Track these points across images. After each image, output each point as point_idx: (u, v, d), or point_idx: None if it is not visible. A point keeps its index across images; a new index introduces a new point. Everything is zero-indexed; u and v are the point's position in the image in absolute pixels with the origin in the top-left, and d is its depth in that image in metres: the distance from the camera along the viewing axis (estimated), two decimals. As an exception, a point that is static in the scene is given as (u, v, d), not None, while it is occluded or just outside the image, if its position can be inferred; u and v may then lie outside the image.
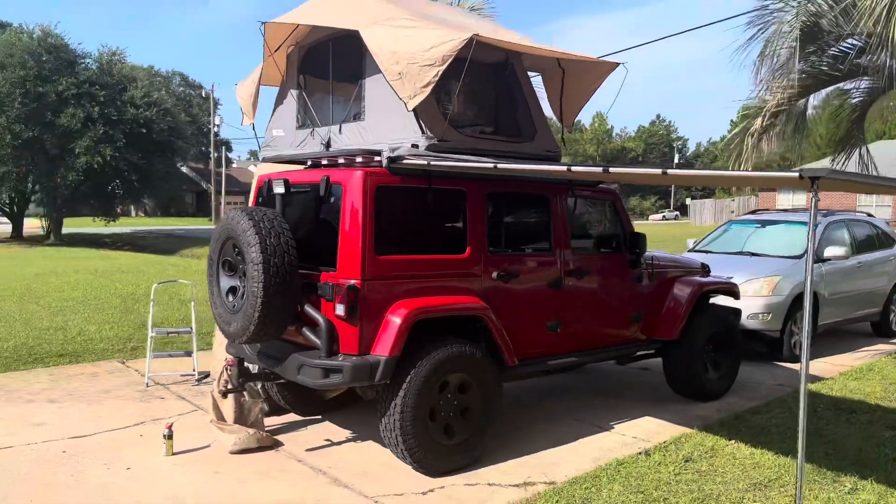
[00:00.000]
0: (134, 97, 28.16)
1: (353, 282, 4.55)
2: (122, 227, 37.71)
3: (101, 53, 29.52)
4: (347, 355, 4.59)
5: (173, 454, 5.10)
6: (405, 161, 4.70)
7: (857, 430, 5.86)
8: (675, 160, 76.83)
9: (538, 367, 5.58)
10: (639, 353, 6.68)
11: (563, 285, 5.64)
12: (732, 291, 7.13)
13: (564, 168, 4.51)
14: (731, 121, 55.16)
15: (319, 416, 5.99)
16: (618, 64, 5.94)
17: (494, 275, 5.18)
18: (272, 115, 6.73)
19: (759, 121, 10.01)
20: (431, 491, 4.59)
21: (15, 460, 4.96)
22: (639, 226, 9.16)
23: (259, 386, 5.81)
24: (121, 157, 27.42)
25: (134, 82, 28.84)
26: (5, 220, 32.40)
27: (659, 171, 3.87)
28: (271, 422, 5.86)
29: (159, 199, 36.87)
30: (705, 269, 7.16)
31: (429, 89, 4.81)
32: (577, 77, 6.13)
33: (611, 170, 4.13)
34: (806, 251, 8.65)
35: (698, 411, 6.41)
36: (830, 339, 9.75)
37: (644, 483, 4.71)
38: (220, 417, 5.39)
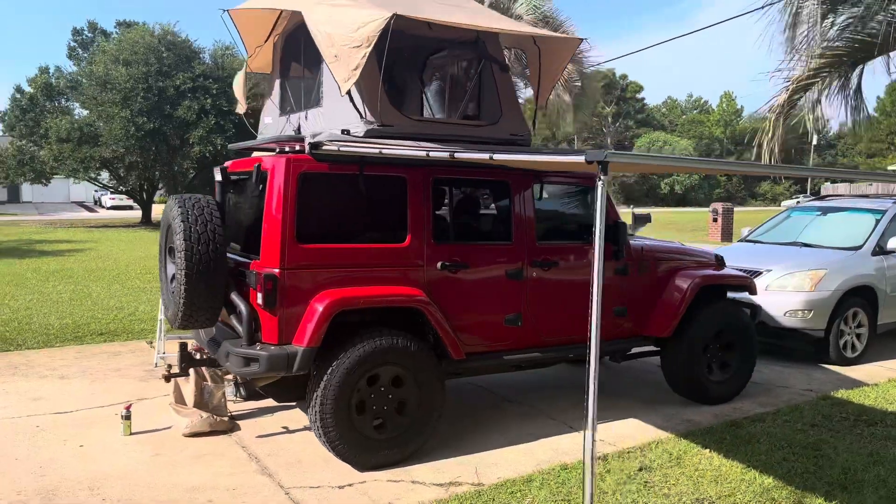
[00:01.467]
0: (252, 87, 29.48)
1: (272, 270, 4.51)
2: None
3: (216, 48, 31.14)
4: (266, 345, 4.57)
5: (131, 434, 5.29)
6: (324, 147, 4.59)
7: (861, 445, 5.21)
8: (814, 142, 71.32)
9: (493, 362, 5.32)
10: (635, 351, 6.26)
11: (526, 277, 5.34)
12: (744, 286, 6.50)
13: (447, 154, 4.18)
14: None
15: (294, 404, 6.03)
16: (582, 40, 5.53)
17: (439, 265, 4.98)
18: (265, 103, 6.83)
19: (782, 96, 9.05)
20: (350, 485, 4.49)
21: (-10, 432, 5.32)
22: (769, 211, 8.58)
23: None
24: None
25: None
26: (138, 206, 35.06)
27: (486, 155, 3.82)
28: (247, 406, 5.96)
29: None
30: (719, 261, 6.58)
31: (358, 72, 4.66)
32: (550, 55, 5.76)
33: (456, 155, 3.95)
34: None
35: (693, 415, 5.92)
36: (893, 341, 8.74)
37: (576, 491, 4.39)
38: (180, 400, 5.53)
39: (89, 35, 35.73)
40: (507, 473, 4.69)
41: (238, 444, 5.15)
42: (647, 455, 5.01)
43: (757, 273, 7.78)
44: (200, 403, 5.49)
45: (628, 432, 5.51)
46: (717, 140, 75.64)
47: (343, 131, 4.79)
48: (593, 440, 3.14)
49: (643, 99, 73.68)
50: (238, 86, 6.75)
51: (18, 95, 31.73)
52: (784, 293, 7.56)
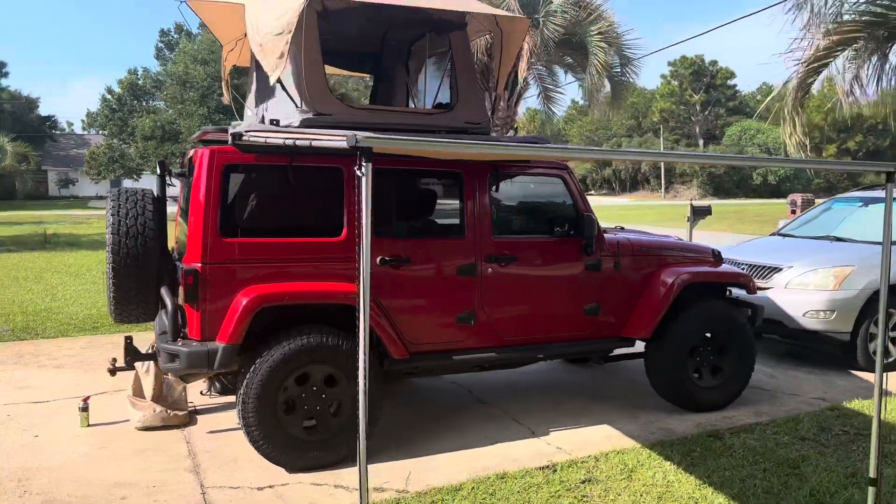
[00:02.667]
0: (347, 89, 30.08)
1: (194, 265, 4.42)
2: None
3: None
4: (190, 340, 4.49)
5: (88, 426, 5.35)
6: (244, 138, 4.45)
7: (847, 463, 4.69)
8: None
9: (441, 361, 5.06)
10: (619, 353, 5.86)
11: (480, 272, 5.05)
12: (739, 284, 5.97)
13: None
14: None
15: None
16: (529, 19, 5.17)
17: (378, 260, 4.76)
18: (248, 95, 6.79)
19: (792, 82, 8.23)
20: (270, 487, 4.36)
21: (-39, 420, 5.50)
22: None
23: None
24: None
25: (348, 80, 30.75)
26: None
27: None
28: (220, 400, 5.94)
29: None
30: (716, 257, 6.07)
31: (283, 61, 4.52)
32: (508, 37, 5.43)
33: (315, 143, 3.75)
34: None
35: (674, 423, 5.47)
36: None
37: (504, 503, 4.11)
38: (139, 393, 5.55)
39: (175, 36, 37.27)
40: (438, 480, 4.44)
41: (185, 440, 5.12)
42: (600, 466, 4.65)
43: (776, 269, 7.17)
44: (160, 397, 5.49)
45: (593, 439, 5.14)
46: (817, 127, 71.45)
47: (272, 121, 4.65)
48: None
49: (735, 86, 70.35)
50: (224, 77, 6.76)
51: (109, 96, 33.51)
52: (805, 292, 6.92)
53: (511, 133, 12.24)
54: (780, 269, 7.15)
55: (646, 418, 5.59)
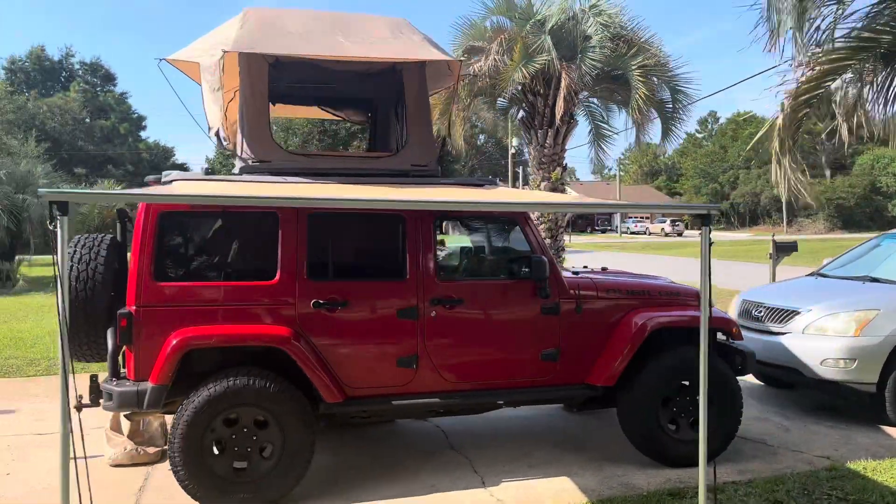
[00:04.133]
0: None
1: (129, 308, 4.62)
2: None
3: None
4: (124, 380, 4.68)
5: (73, 458, 5.64)
6: (169, 187, 4.64)
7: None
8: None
9: (381, 406, 5.00)
10: (588, 400, 5.57)
11: (422, 316, 4.98)
12: (721, 329, 5.54)
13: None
14: None
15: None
16: (460, 61, 5.11)
17: (312, 303, 4.81)
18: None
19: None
20: (191, 527, 4.44)
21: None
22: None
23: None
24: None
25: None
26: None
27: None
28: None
29: None
30: (699, 298, 5.67)
31: (220, 114, 4.71)
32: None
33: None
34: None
35: (638, 479, 5.12)
36: None
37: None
38: (116, 427, 5.81)
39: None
40: (354, 529, 4.37)
41: (143, 477, 5.30)
42: (529, 522, 4.42)
43: (794, 312, 6.61)
44: (136, 432, 5.73)
45: (542, 493, 4.89)
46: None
47: (206, 170, 4.83)
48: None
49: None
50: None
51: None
52: (822, 337, 6.33)
53: (559, 171, 12.07)
54: (798, 313, 6.59)
55: (612, 472, 5.26)
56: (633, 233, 62.80)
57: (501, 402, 5.36)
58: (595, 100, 12.61)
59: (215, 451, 4.61)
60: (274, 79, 5.24)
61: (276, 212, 4.82)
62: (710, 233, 3.48)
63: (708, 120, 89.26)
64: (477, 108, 13.09)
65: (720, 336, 5.67)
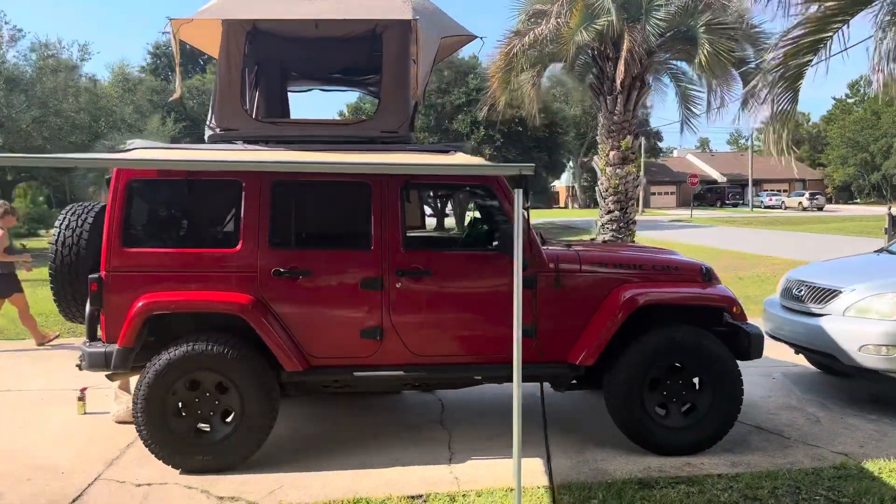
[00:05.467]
0: (513, 98, 30.38)
1: (100, 273, 4.81)
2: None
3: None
4: (97, 342, 4.88)
5: (85, 413, 6.03)
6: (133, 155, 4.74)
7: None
8: None
9: (342, 377, 4.93)
10: (574, 381, 5.26)
11: (387, 286, 4.86)
12: (720, 307, 5.04)
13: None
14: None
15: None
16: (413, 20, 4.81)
17: (273, 271, 4.80)
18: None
19: None
20: (148, 485, 4.58)
21: None
22: None
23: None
24: (499, 155, 29.93)
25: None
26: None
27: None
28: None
29: (537, 191, 38.36)
30: (706, 276, 5.19)
31: (179, 83, 4.77)
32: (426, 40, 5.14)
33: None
34: None
35: (615, 465, 4.80)
36: None
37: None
38: (125, 386, 6.11)
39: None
40: (298, 498, 4.36)
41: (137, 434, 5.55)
42: (468, 502, 4.23)
43: (835, 292, 5.93)
44: (142, 393, 6.00)
45: (504, 472, 4.68)
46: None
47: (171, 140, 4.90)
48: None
49: None
50: None
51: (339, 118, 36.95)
52: (863, 320, 5.64)
53: (629, 139, 11.44)
54: (840, 293, 5.90)
55: (592, 456, 4.96)
56: (767, 207, 58.86)
57: (479, 378, 5.16)
58: (680, 62, 11.82)
59: (178, 412, 4.73)
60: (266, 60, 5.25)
61: (240, 179, 4.84)
62: (524, 197, 3.31)
63: (860, 83, 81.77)
64: (548, 75, 12.61)
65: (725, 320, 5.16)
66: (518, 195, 3.50)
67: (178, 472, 4.72)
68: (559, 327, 5.00)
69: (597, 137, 12.15)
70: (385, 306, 4.87)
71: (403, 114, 5.04)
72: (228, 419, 4.78)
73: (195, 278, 4.80)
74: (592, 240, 6.13)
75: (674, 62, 11.81)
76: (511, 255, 4.79)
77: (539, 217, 43.75)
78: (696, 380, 5.02)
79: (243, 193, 4.83)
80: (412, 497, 4.34)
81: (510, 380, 5.25)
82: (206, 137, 4.96)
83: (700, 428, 4.94)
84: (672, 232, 30.07)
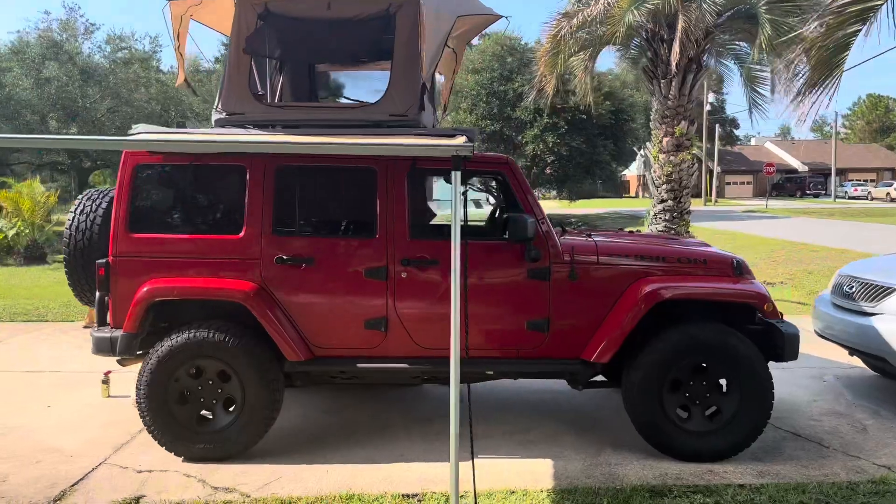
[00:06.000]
0: (577, 85, 29.69)
1: (108, 258, 4.79)
2: (590, 208, 40.01)
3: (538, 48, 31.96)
4: (105, 327, 4.87)
5: (109, 396, 6.09)
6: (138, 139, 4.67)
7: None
8: None
9: (346, 368, 4.79)
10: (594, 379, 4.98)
11: (392, 276, 4.68)
12: (748, 304, 4.65)
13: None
14: None
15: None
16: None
17: (276, 259, 4.69)
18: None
19: None
20: (149, 472, 4.55)
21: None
22: None
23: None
24: (562, 143, 29.35)
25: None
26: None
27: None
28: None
29: (603, 179, 37.34)
30: (737, 269, 4.81)
31: (181, 68, 4.70)
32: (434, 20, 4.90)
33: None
34: None
35: (629, 469, 4.50)
36: None
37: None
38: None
39: (459, 49, 39.62)
40: (293, 491, 4.25)
41: (153, 419, 5.56)
42: (467, 504, 4.03)
43: (888, 290, 5.43)
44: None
45: (511, 474, 4.45)
46: None
47: (179, 123, 4.83)
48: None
49: None
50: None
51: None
52: (916, 320, 5.14)
53: (684, 125, 10.89)
54: (894, 290, 5.40)
55: (607, 459, 4.67)
56: (851, 198, 55.86)
57: (490, 373, 4.94)
58: (742, 42, 11.14)
59: (180, 400, 4.69)
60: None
61: (244, 164, 4.74)
62: (459, 179, 3.10)
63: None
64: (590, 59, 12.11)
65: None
66: (455, 178, 3.28)
67: (180, 459, 4.69)
68: (574, 322, 4.72)
69: (650, 123, 11.62)
70: (390, 297, 4.70)
71: (412, 96, 4.83)
72: (231, 408, 4.71)
73: (200, 265, 4.73)
74: (631, 231, 5.79)
75: (736, 42, 11.18)
76: (522, 244, 4.56)
77: (605, 206, 42.92)
78: (722, 382, 4.66)
79: (247, 179, 4.73)
80: (406, 496, 4.17)
81: (524, 375, 5.07)
82: (212, 122, 4.88)
83: (724, 434, 4.58)
84: (743, 223, 28.85)
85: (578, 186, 33.11)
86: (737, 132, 64.60)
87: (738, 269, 4.80)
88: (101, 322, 4.94)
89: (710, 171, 54.61)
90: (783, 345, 4.64)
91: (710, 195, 52.78)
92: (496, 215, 5.10)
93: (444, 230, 4.98)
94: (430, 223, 5.00)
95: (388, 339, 4.72)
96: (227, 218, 4.82)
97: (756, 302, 4.65)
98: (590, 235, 5.11)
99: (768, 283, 13.16)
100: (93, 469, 4.61)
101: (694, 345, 4.55)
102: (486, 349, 4.77)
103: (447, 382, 5.22)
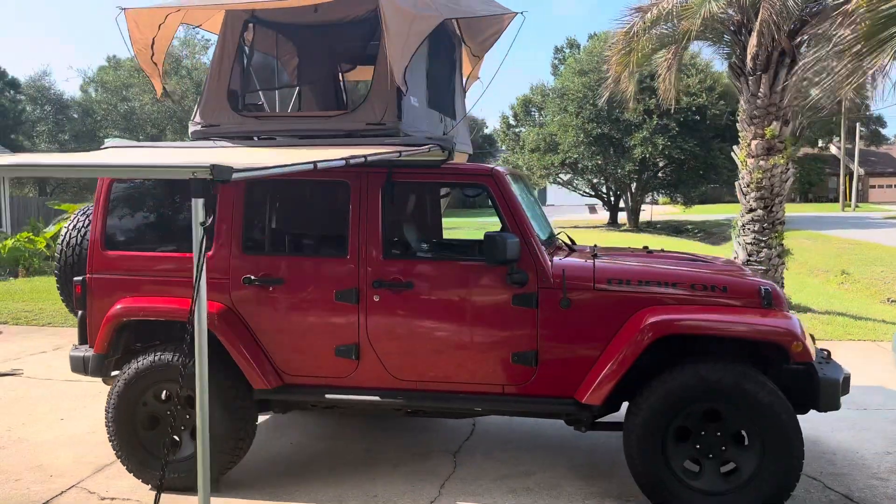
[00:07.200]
0: (689, 85, 28.12)
1: (85, 276, 4.68)
2: (709, 214, 37.73)
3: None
4: (83, 346, 4.75)
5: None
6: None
7: None
8: None
9: (315, 398, 4.41)
10: (601, 420, 4.36)
11: (364, 299, 4.27)
12: (769, 341, 3.87)
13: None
14: None
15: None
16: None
17: (243, 279, 4.40)
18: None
19: None
20: (110, 500, 4.39)
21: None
22: None
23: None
24: (673, 146, 27.85)
25: (690, 69, 28.71)
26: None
27: None
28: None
29: (721, 183, 34.86)
30: (767, 299, 4.03)
31: (155, 71, 4.52)
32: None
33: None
34: None
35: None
36: None
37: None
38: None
39: (567, 51, 38.62)
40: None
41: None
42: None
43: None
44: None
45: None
46: None
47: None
48: None
49: None
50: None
51: (507, 114, 36.46)
52: None
53: (776, 125, 9.76)
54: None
55: (599, 515, 4.04)
56: None
57: (479, 409, 4.43)
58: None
59: (148, 425, 4.49)
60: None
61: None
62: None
63: None
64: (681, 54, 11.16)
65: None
66: (196, 207, 2.81)
67: (148, 487, 4.49)
68: (567, 355, 4.13)
69: (737, 125, 10.54)
70: (362, 322, 4.29)
71: (392, 104, 4.40)
72: (194, 435, 4.45)
73: (172, 284, 4.51)
74: (650, 250, 5.11)
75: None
76: (499, 267, 4.04)
77: (727, 212, 40.48)
78: (743, 432, 3.92)
79: (217, 195, 4.47)
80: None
81: (512, 414, 4.53)
82: (189, 133, 4.68)
83: (741, 496, 3.83)
84: (881, 231, 26.18)
85: (693, 191, 31.32)
86: (883, 131, 59.27)
87: (766, 300, 4.02)
88: (82, 340, 4.84)
89: (850, 173, 50.27)
90: (815, 392, 3.84)
91: (850, 199, 48.58)
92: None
93: (421, 249, 4.52)
94: (406, 241, 4.55)
95: (360, 367, 4.32)
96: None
97: (778, 339, 3.86)
98: (595, 255, 4.48)
99: (893, 302, 11.66)
100: (61, 493, 4.49)
101: (703, 388, 3.83)
102: (466, 383, 4.26)
103: (428, 416, 4.79)
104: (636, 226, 31.75)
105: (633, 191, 32.09)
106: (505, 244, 3.96)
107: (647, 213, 34.98)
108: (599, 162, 30.37)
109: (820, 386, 3.84)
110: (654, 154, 28.08)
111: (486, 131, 55.41)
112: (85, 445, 5.26)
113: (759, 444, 3.81)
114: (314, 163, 3.33)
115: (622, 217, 33.90)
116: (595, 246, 5.15)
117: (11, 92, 34.76)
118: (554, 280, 4.11)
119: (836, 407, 3.89)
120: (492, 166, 4.34)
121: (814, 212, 42.23)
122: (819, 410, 3.91)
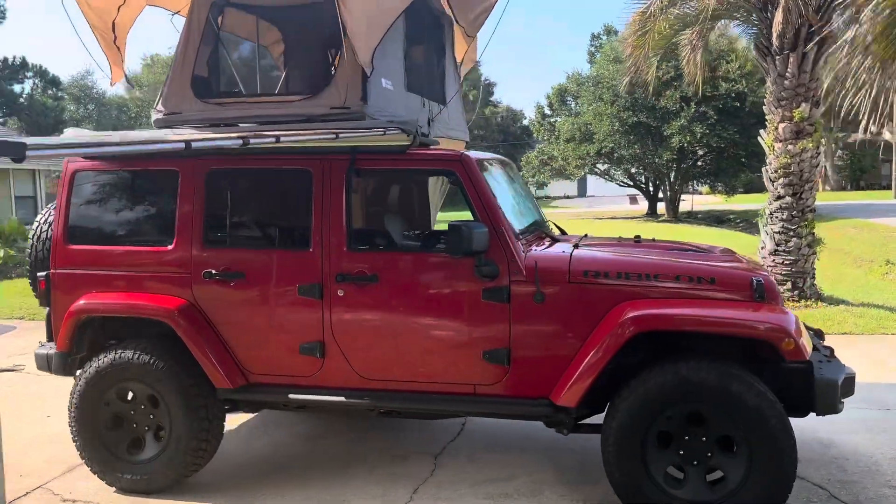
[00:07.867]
0: (728, 71, 27.24)
1: (48, 271, 4.54)
2: (753, 203, 36.57)
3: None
4: (50, 343, 4.62)
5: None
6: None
7: None
8: None
9: (278, 398, 4.20)
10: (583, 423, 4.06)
11: (328, 294, 4.04)
12: (759, 339, 3.50)
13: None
14: None
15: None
16: None
17: (203, 274, 4.20)
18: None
19: None
20: (72, 502, 4.25)
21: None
22: None
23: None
24: (712, 134, 27.02)
25: (730, 55, 27.80)
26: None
27: None
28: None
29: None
30: (759, 291, 3.67)
31: (118, 57, 4.35)
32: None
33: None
34: None
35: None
36: None
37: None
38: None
39: (604, 38, 37.80)
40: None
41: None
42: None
43: None
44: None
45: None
46: None
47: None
48: None
49: None
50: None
51: (542, 104, 35.90)
52: None
53: (805, 107, 9.20)
54: None
55: (575, 526, 3.74)
56: None
57: (426, 410, 4.18)
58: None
59: (111, 425, 4.33)
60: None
61: (176, 168, 4.30)
62: None
63: None
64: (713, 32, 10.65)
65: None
66: None
67: (112, 489, 4.34)
68: (541, 354, 3.83)
69: (763, 108, 10.00)
70: (326, 318, 4.05)
71: (357, 86, 4.14)
72: (157, 436, 4.29)
73: (135, 279, 4.35)
74: (639, 239, 4.77)
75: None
76: (467, 259, 3.77)
77: (763, 201, 39.20)
78: (726, 437, 3.57)
79: (178, 184, 4.29)
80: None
81: (472, 415, 4.28)
82: (152, 122, 4.50)
83: (733, 501, 3.49)
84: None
85: (734, 180, 30.33)
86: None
87: (758, 292, 3.66)
88: (49, 338, 4.71)
89: (904, 159, 48.25)
90: (809, 394, 3.48)
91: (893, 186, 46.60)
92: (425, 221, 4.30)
93: (387, 240, 4.25)
94: (371, 232, 4.29)
95: (325, 366, 4.09)
96: (161, 228, 4.38)
97: (767, 337, 3.48)
98: (577, 245, 4.17)
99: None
100: (26, 493, 4.38)
101: (685, 389, 3.50)
102: (436, 383, 3.99)
103: (400, 417, 4.55)
104: (675, 216, 30.93)
105: (671, 180, 31.28)
106: (471, 234, 3.67)
107: (688, 202, 34.12)
108: (636, 151, 29.64)
109: (815, 387, 3.47)
110: (693, 142, 27.26)
111: (524, 122, 54.90)
112: (62, 444, 5.12)
113: (746, 451, 3.46)
114: (187, 142, 3.08)
115: (661, 207, 33.08)
116: (585, 235, 4.83)
117: (54, 90, 35.52)
118: (527, 273, 3.81)
119: (836, 410, 3.52)
120: (462, 151, 4.06)
121: (864, 199, 40.60)
122: (817, 414, 3.55)
